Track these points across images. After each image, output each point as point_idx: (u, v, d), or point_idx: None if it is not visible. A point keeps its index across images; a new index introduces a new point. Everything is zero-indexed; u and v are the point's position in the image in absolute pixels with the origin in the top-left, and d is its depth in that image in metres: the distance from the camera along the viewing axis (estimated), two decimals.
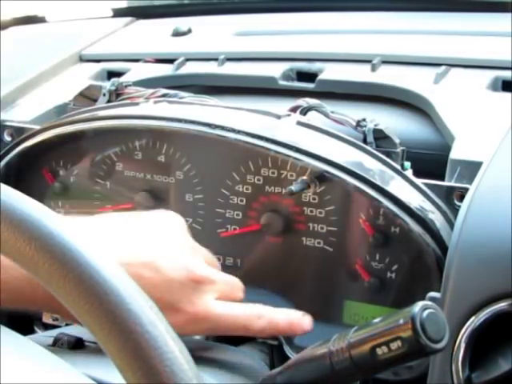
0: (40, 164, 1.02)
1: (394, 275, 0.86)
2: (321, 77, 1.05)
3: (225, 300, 0.76)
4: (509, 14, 1.11)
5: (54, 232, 0.46)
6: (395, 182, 0.83)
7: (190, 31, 1.28)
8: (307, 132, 0.87)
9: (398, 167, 0.85)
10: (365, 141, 0.87)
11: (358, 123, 0.89)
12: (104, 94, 1.01)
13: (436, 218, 0.81)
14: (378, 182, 0.81)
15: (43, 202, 0.53)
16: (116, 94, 1.01)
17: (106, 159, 0.98)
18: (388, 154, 0.86)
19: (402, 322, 0.60)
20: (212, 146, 0.92)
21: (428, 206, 0.82)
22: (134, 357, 0.42)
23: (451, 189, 0.83)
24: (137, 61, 1.20)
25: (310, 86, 1.05)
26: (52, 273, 0.45)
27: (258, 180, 0.91)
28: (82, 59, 1.25)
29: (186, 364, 0.43)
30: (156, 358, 0.42)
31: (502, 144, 0.83)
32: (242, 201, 0.92)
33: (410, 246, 0.84)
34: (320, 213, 0.88)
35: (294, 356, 0.83)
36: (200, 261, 0.76)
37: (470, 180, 0.80)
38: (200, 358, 0.77)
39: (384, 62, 1.06)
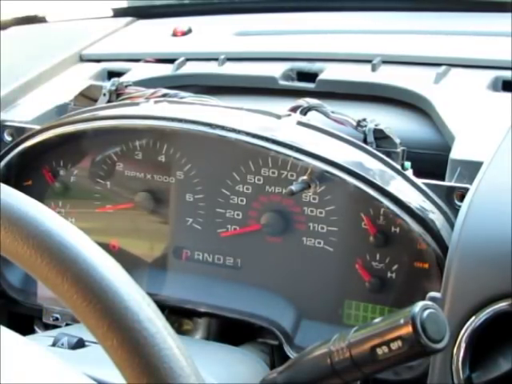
0: (40, 164, 1.02)
1: (394, 275, 0.86)
2: (321, 77, 1.05)
3: None
4: (509, 14, 1.12)
5: (52, 230, 0.46)
6: (395, 182, 0.83)
7: (190, 31, 1.28)
8: (307, 132, 0.87)
9: (399, 167, 0.85)
10: (365, 141, 0.87)
11: (359, 123, 0.89)
12: (104, 94, 1.01)
13: (436, 217, 0.81)
14: (378, 181, 0.81)
15: (43, 201, 0.53)
16: (116, 94, 1.01)
17: (107, 159, 0.98)
18: (388, 154, 0.86)
19: (402, 322, 0.60)
20: (212, 145, 0.92)
21: (428, 205, 0.82)
22: (132, 354, 0.42)
23: (451, 189, 0.83)
24: (137, 61, 1.20)
25: (310, 85, 1.05)
26: (50, 271, 0.45)
27: (259, 180, 0.91)
28: (83, 59, 1.25)
29: (185, 361, 0.43)
30: (154, 355, 0.42)
31: (502, 144, 0.83)
32: (242, 201, 0.92)
33: (410, 245, 0.84)
34: (320, 213, 0.88)
35: (294, 356, 0.83)
36: None
37: (471, 180, 0.80)
38: (200, 357, 0.77)
39: (384, 62, 1.06)
